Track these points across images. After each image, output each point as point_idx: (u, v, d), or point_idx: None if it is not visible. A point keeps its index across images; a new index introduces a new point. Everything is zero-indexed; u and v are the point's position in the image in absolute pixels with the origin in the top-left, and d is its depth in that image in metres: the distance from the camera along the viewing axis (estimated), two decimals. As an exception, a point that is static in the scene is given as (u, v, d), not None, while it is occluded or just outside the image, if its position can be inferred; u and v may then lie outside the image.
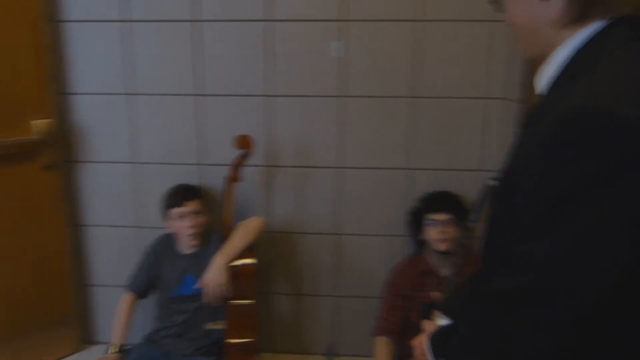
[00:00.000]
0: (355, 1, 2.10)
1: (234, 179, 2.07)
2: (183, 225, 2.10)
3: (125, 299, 2.19)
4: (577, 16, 0.84)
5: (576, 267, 0.74)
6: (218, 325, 1.94)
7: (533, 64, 1.85)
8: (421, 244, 2.14)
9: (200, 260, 2.14)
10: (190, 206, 2.10)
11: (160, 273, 2.18)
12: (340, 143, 2.25)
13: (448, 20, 2.10)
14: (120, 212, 2.37)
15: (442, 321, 1.15)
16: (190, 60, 2.20)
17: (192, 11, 2.15)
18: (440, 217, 2.02)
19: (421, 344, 1.08)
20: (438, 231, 2.01)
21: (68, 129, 2.29)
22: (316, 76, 2.19)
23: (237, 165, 2.06)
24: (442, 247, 2.00)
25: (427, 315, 1.81)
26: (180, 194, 2.15)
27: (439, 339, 1.04)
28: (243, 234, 2.04)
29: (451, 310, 1.12)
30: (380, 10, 2.10)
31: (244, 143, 2.05)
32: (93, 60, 2.23)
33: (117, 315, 2.16)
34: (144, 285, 2.19)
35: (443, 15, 2.10)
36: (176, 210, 2.10)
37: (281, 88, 2.21)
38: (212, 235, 2.21)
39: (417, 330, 2.03)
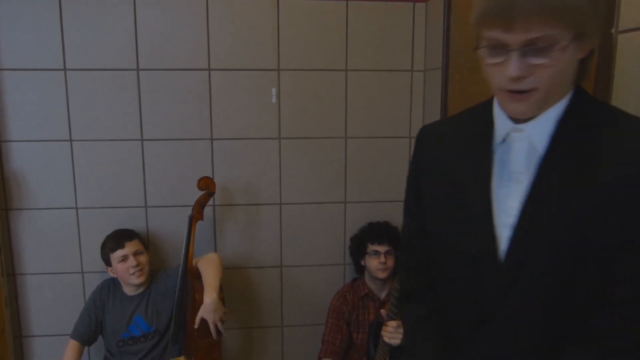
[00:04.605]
0: (289, 53, 2.32)
1: (197, 218, 2.17)
2: (126, 267, 2.12)
3: (70, 347, 2.16)
4: (581, 75, 0.89)
5: None
6: (179, 361, 1.99)
7: (446, 107, 2.15)
8: (361, 269, 2.33)
9: (147, 300, 2.19)
10: (131, 247, 2.14)
11: (106, 317, 2.18)
12: (281, 181, 2.42)
13: (370, 70, 2.38)
14: (61, 258, 2.34)
15: None
16: (130, 107, 2.28)
17: (128, 61, 2.24)
18: (382, 248, 2.22)
19: None
20: (379, 261, 2.20)
21: (2, 176, 2.26)
22: (258, 120, 2.35)
23: (200, 205, 2.17)
24: (382, 275, 2.20)
25: (376, 333, 2.00)
26: (119, 237, 2.18)
27: None
28: (216, 269, 2.10)
29: None
30: (310, 61, 2.34)
31: (208, 184, 2.17)
32: (29, 107, 2.23)
33: (64, 364, 2.13)
34: (88, 332, 2.18)
35: (364, 66, 2.37)
36: (118, 253, 2.13)
37: (225, 132, 2.35)
38: (156, 274, 2.26)
39: (361, 351, 2.22)
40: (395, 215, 2.49)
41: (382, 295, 2.28)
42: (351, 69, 2.37)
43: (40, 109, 2.24)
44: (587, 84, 1.24)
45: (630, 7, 1.10)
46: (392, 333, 1.88)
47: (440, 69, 2.19)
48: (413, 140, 2.47)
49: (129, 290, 2.20)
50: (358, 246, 2.32)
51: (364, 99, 2.40)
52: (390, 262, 2.21)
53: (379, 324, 2.00)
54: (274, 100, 2.34)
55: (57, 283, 2.36)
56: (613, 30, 1.14)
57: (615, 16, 1.14)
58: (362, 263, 2.30)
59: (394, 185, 2.50)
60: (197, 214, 2.17)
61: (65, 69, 2.22)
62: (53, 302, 2.37)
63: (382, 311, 1.96)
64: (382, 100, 2.41)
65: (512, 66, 0.81)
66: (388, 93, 2.41)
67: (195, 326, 1.96)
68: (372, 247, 2.23)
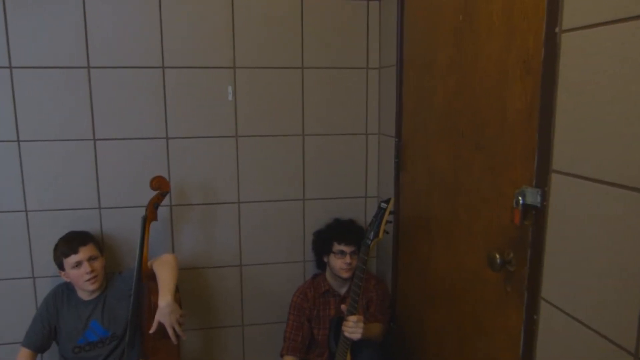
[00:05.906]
0: (245, 51, 2.30)
1: (150, 218, 2.12)
2: (80, 273, 2.04)
3: (22, 355, 2.08)
4: None
5: None
6: (137, 366, 1.95)
7: (402, 103, 2.19)
8: (323, 265, 2.34)
9: (103, 304, 2.13)
10: (85, 252, 2.06)
11: (60, 324, 2.11)
12: (239, 179, 2.40)
13: (327, 68, 2.39)
14: (10, 263, 2.25)
15: None
16: (81, 106, 2.21)
17: (77, 58, 2.17)
18: (348, 248, 2.20)
19: None
20: (344, 261, 2.19)
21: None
22: (215, 118, 2.33)
23: (154, 205, 2.12)
24: (346, 275, 2.20)
25: (337, 328, 2.02)
26: (74, 241, 2.10)
27: None
28: (171, 270, 2.05)
29: None
30: (266, 58, 2.33)
31: (160, 184, 2.12)
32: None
33: (15, 373, 2.04)
34: (41, 339, 2.10)
35: (320, 64, 2.39)
36: (71, 259, 2.05)
37: (181, 130, 2.31)
38: (112, 277, 2.20)
39: (322, 346, 2.24)
40: (355, 212, 2.52)
41: (343, 291, 2.30)
42: (307, 66, 2.38)
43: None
44: (533, 83, 1.29)
45: (574, 6, 1.14)
46: (353, 328, 1.91)
47: (394, 66, 2.23)
48: (369, 137, 2.52)
49: (83, 295, 2.13)
50: (324, 242, 2.30)
51: (321, 97, 2.42)
52: (355, 262, 2.20)
53: (339, 320, 2.02)
54: (230, 98, 2.32)
55: (7, 289, 2.26)
56: (557, 30, 1.19)
57: (559, 15, 1.18)
58: (325, 259, 2.31)
59: (352, 182, 2.53)
60: (150, 215, 2.12)
61: (10, 67, 2.13)
62: (3, 309, 2.27)
63: (343, 306, 1.98)
64: (338, 98, 2.44)
65: None
66: (344, 90, 2.44)
67: (152, 330, 1.92)
68: (338, 247, 2.22)
